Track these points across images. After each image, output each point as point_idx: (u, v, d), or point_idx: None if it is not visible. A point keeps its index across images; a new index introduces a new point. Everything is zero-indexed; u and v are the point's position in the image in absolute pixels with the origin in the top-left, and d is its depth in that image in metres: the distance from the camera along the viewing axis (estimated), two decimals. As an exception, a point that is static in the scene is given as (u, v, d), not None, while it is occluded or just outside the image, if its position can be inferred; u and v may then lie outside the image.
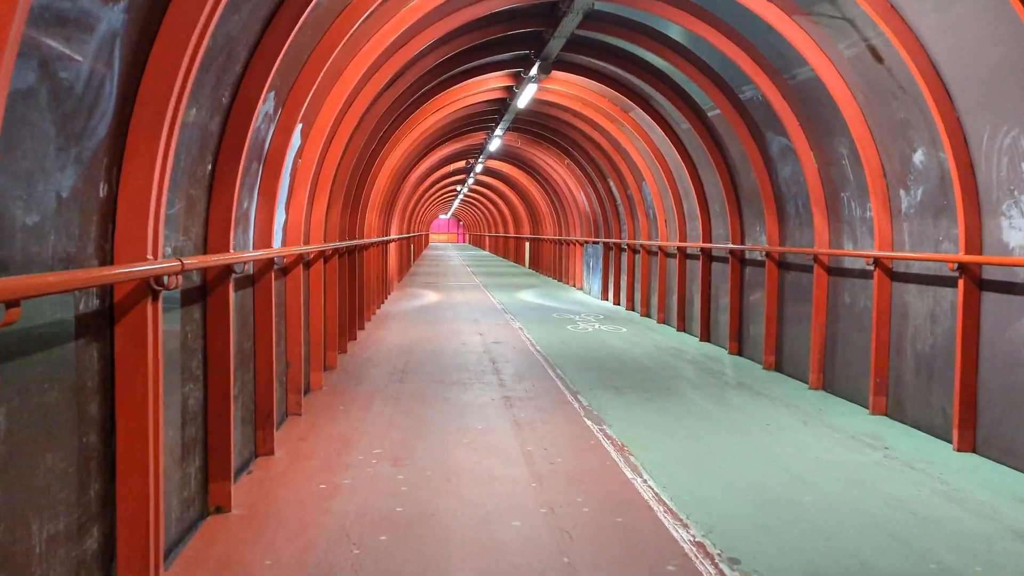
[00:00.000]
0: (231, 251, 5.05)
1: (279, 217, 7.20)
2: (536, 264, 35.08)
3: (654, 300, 16.62)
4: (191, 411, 4.76)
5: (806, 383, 9.63)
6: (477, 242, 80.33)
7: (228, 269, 5.04)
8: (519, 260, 42.40)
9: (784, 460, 6.45)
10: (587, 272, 23.25)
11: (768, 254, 10.64)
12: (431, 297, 21.58)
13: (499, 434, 7.13)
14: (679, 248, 14.62)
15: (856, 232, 8.62)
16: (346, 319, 11.73)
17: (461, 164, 29.91)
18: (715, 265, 13.12)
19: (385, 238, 19.18)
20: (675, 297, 14.94)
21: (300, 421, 7.52)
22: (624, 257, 19.26)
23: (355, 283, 13.03)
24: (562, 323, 15.79)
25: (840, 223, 8.97)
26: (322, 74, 6.73)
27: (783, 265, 10.49)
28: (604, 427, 7.42)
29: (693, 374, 10.35)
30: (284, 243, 7.57)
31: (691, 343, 13.23)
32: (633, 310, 18.41)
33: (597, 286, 21.71)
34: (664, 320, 15.83)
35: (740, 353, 11.91)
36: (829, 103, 8.42)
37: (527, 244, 38.75)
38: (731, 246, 11.92)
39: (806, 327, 9.73)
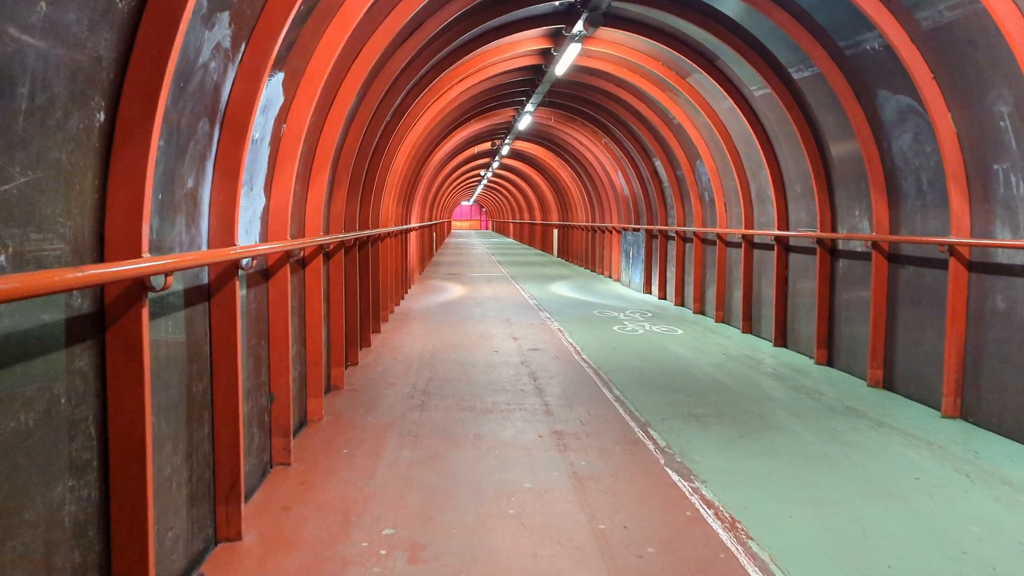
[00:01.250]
0: (145, 253, 3.12)
1: (254, 202, 5.27)
2: (566, 253, 33.05)
3: (710, 296, 14.56)
4: (77, 524, 2.86)
5: (935, 408, 7.58)
6: (501, 229, 78.33)
7: (139, 284, 3.11)
8: (546, 248, 40.38)
9: (978, 551, 4.44)
10: (625, 262, 21.22)
11: (875, 244, 8.57)
12: (456, 291, 19.66)
13: (556, 499, 5.18)
14: (744, 236, 12.54)
15: (1019, 216, 6.53)
16: (357, 326, 9.83)
17: (486, 146, 27.91)
18: (794, 257, 11.05)
19: (405, 227, 17.28)
20: (739, 293, 12.88)
21: (287, 475, 5.61)
22: (671, 246, 17.19)
23: (368, 281, 11.12)
24: (606, 322, 13.79)
25: (990, 204, 6.88)
26: (307, -1, 4.78)
27: (896, 258, 8.41)
28: (697, 484, 5.45)
29: (783, 393, 8.33)
30: (265, 237, 5.65)
31: (764, 349, 11.19)
32: (683, 306, 16.36)
33: (638, 278, 19.67)
34: (724, 319, 13.78)
35: (830, 363, 9.86)
36: (988, 45, 6.33)
37: (555, 231, 36.70)
38: (819, 234, 9.85)
39: (932, 337, 7.67)
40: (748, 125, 11.37)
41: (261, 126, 5.16)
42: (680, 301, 16.48)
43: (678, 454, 6.17)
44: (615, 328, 13.11)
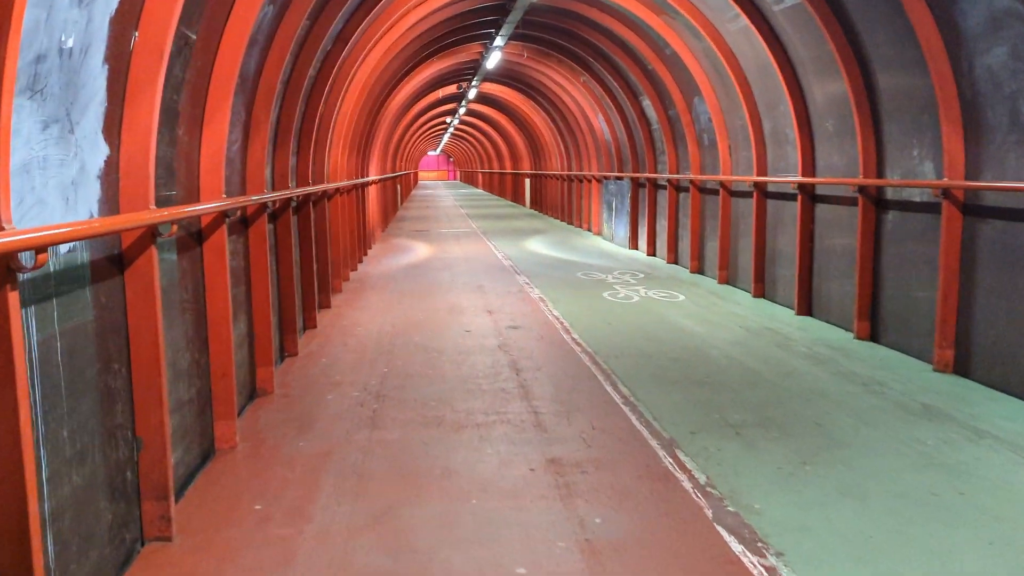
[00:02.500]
0: None
1: (79, 153, 3.30)
2: (539, 204, 31.08)
3: (710, 253, 12.78)
4: None
5: (1036, 405, 5.90)
6: (469, 179, 75.90)
7: None
8: (518, 199, 38.34)
9: None
10: (607, 215, 19.35)
11: (947, 192, 6.77)
12: (421, 251, 17.69)
13: (569, 602, 3.39)
14: (756, 184, 10.71)
15: None
16: (295, 307, 7.90)
17: (452, 89, 25.64)
18: (823, 208, 9.25)
19: (361, 180, 15.20)
20: (749, 251, 11.09)
21: (161, 563, 3.75)
22: (662, 196, 15.33)
23: (312, 249, 9.14)
24: (593, 287, 11.97)
25: None
26: None
27: (975, 210, 6.63)
28: (771, 559, 3.69)
29: (832, 384, 6.60)
30: (113, 205, 3.69)
31: (785, 319, 9.45)
32: (677, 263, 14.59)
33: (623, 232, 17.83)
34: (729, 280, 12.02)
35: (874, 338, 8.15)
36: None
37: (527, 181, 34.66)
38: (861, 180, 8.04)
39: (1030, 312, 5.96)
40: (766, 48, 9.44)
41: (76, 27, 3.15)
42: (673, 258, 14.69)
43: (727, 496, 4.40)
44: (605, 295, 11.29)
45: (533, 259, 15.73)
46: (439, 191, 60.68)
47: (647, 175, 15.81)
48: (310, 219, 9.12)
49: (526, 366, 7.30)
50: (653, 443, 5.26)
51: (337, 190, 11.79)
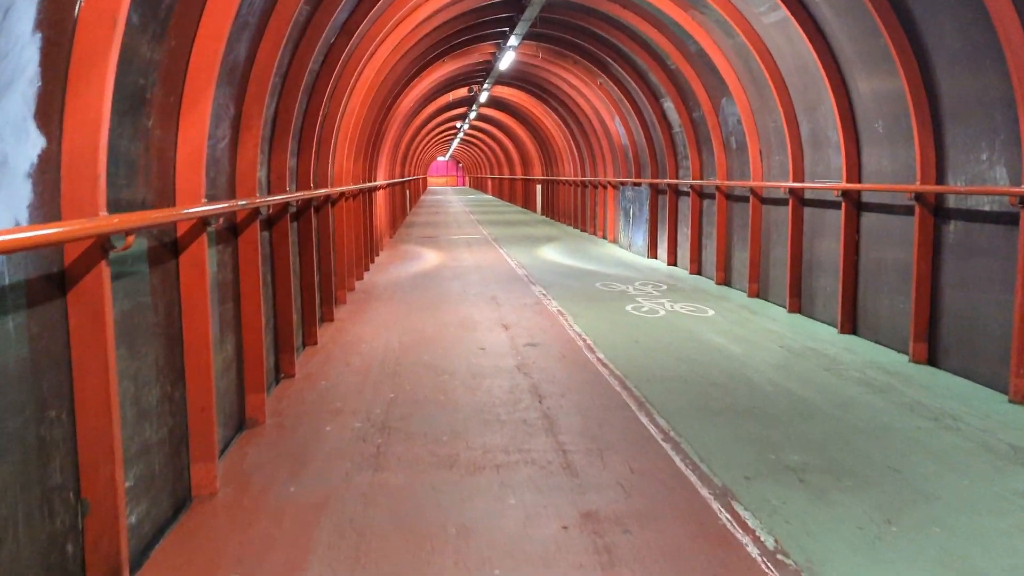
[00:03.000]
0: None
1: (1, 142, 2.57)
2: (551, 211, 30.34)
3: (738, 264, 12.00)
4: None
5: None
6: (478, 185, 75.28)
7: None
8: (529, 206, 37.61)
9: None
10: (624, 222, 18.58)
11: (1026, 201, 5.99)
12: (430, 258, 16.95)
13: None
14: (792, 191, 9.94)
15: None
16: (293, 323, 7.15)
17: (462, 92, 24.95)
18: (869, 218, 8.47)
19: (368, 185, 14.50)
20: (784, 265, 10.31)
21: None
22: (684, 203, 14.56)
23: (313, 257, 8.41)
24: (615, 300, 11.21)
25: None
26: None
27: (1059, 221, 5.84)
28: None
29: (900, 419, 5.81)
30: (52, 209, 2.95)
31: (828, 338, 8.66)
32: (700, 274, 13.81)
33: (641, 240, 17.05)
34: (760, 293, 11.24)
35: (933, 362, 7.35)
36: None
37: (539, 187, 33.93)
38: (919, 187, 7.26)
39: None
40: (807, 42, 8.67)
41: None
42: (696, 269, 13.90)
43: (804, 569, 3.62)
44: (628, 308, 10.52)
45: (548, 268, 14.97)
46: (448, 196, 60.02)
47: (668, 181, 15.04)
48: (311, 226, 8.39)
49: (549, 391, 6.54)
50: (704, 492, 4.49)
51: (342, 195, 11.07)
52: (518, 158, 40.11)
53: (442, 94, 23.56)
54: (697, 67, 12.25)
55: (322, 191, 8.92)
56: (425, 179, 69.04)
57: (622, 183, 18.82)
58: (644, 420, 5.79)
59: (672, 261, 15.25)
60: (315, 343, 8.44)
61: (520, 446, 5.24)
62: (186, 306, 4.40)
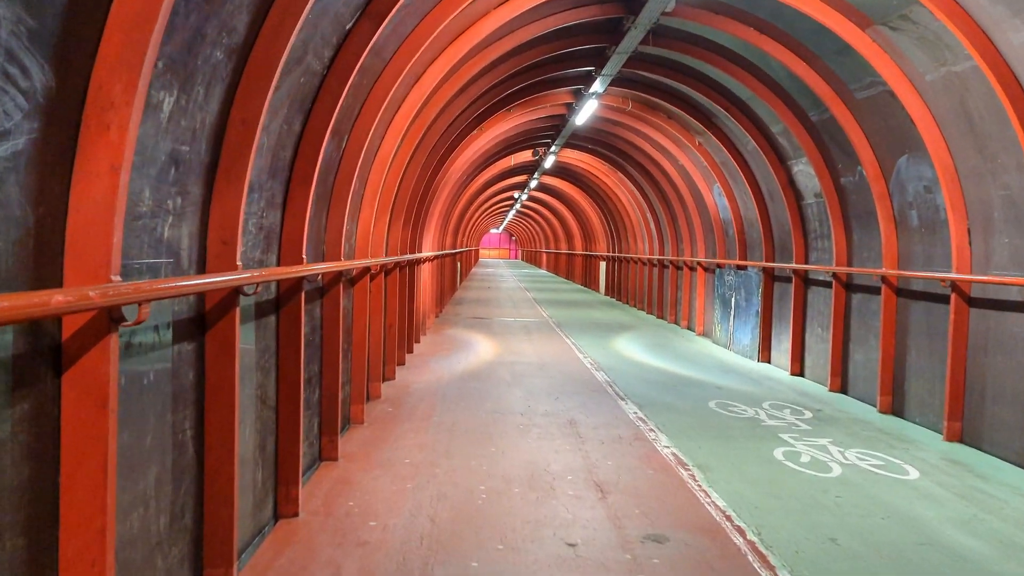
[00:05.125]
0: None
1: None
2: (618, 292, 26.96)
3: (921, 389, 8.43)
4: None
5: None
6: (532, 259, 72.52)
7: None
8: (590, 284, 34.31)
9: None
10: (721, 313, 15.10)
11: None
12: (482, 349, 13.66)
13: None
14: (1047, 291, 6.45)
15: None
16: (231, 512, 3.85)
17: (525, 156, 22.06)
18: None
19: (407, 257, 11.39)
20: (1021, 399, 6.75)
21: None
22: (819, 296, 11.08)
23: (299, 374, 5.19)
24: (751, 436, 7.71)
25: None
26: None
27: None
28: None
29: None
30: None
31: None
32: (844, 392, 10.22)
33: (747, 338, 13.54)
34: (964, 437, 7.62)
35: None
36: None
37: (602, 264, 30.69)
38: None
39: None
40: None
41: None
42: (839, 385, 10.32)
43: None
44: (778, 455, 7.01)
45: (634, 371, 11.54)
46: (501, 270, 57.17)
47: (793, 266, 11.61)
48: (301, 320, 5.19)
49: None
50: None
51: (367, 271, 7.91)
52: (578, 231, 37.07)
53: (503, 155, 20.68)
54: (864, 113, 8.96)
55: (330, 266, 5.76)
56: (477, 251, 66.61)
57: (719, 265, 15.42)
58: None
59: (797, 370, 11.68)
60: (295, 513, 5.13)
61: None
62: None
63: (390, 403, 8.88)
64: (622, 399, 9.43)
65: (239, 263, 3.84)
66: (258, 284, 4.04)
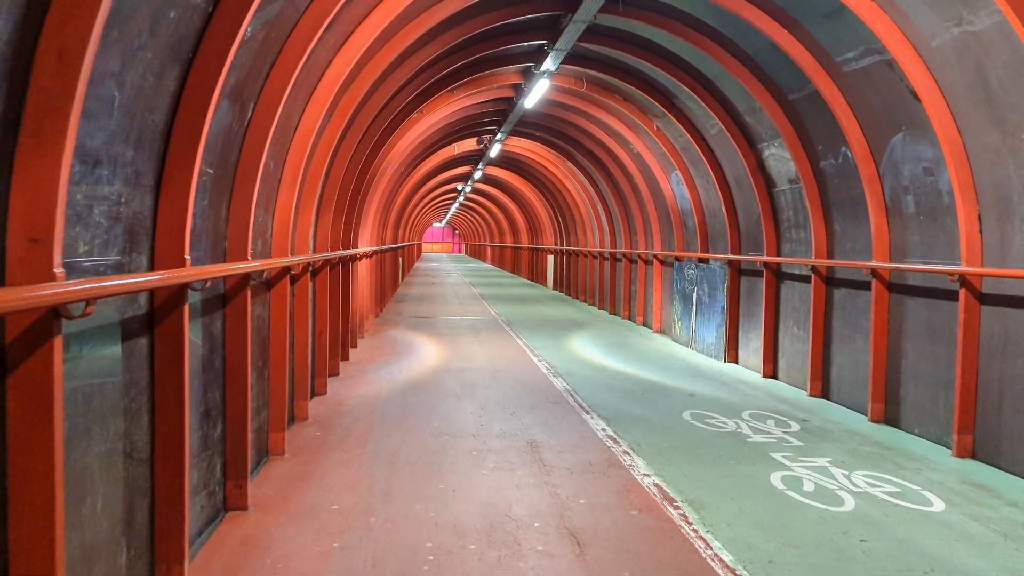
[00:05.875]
0: None
1: None
2: (567, 286, 25.94)
3: (920, 397, 7.53)
4: None
5: None
6: (476, 253, 71.27)
7: None
8: (537, 278, 33.27)
9: None
10: (681, 308, 14.15)
11: None
12: (427, 354, 12.42)
13: None
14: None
15: None
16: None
17: (470, 145, 20.84)
18: None
19: (340, 254, 10.09)
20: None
21: None
22: (795, 291, 10.16)
23: (183, 417, 3.90)
24: (737, 456, 6.67)
25: None
26: None
27: None
28: None
29: None
30: None
31: None
32: (826, 397, 9.31)
33: (712, 336, 12.59)
34: (977, 453, 6.71)
35: None
36: None
37: (550, 258, 29.66)
38: None
39: None
40: None
41: None
42: (820, 390, 9.40)
43: None
44: (775, 481, 5.98)
45: (594, 375, 10.46)
46: (445, 264, 55.79)
47: (765, 258, 10.67)
48: (182, 343, 3.91)
49: None
50: None
51: (286, 271, 6.61)
52: (524, 224, 35.98)
53: (446, 143, 19.40)
54: (853, 87, 7.99)
55: (231, 268, 4.49)
56: (420, 245, 65.06)
57: (678, 258, 14.47)
58: None
59: (770, 372, 10.75)
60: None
61: None
62: None
63: (319, 425, 7.60)
64: (586, 412, 8.32)
65: (58, 270, 2.56)
66: (94, 299, 2.75)
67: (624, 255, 18.36)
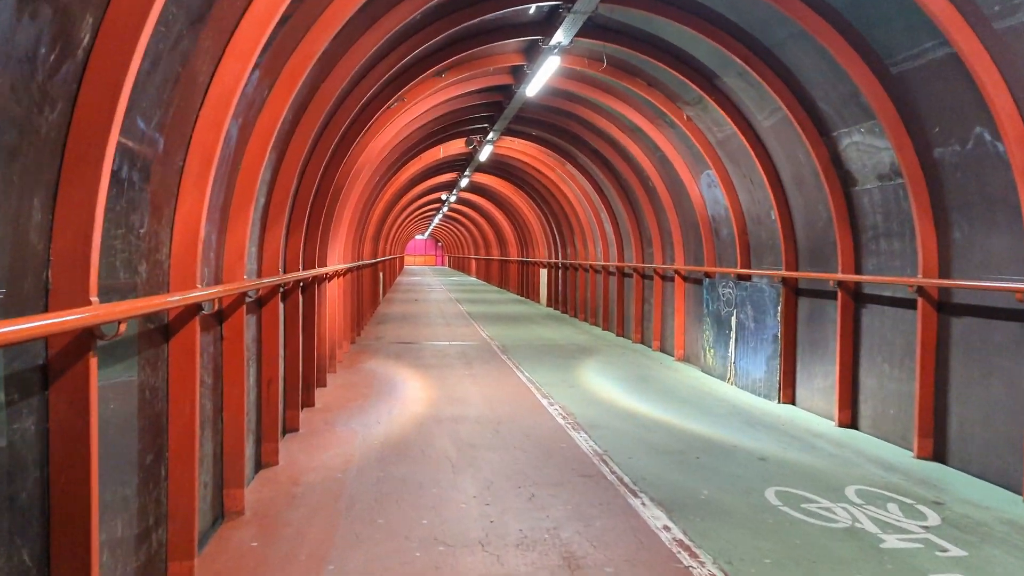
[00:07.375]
0: None
1: None
2: (564, 304, 23.64)
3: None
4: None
5: None
6: (460, 266, 68.91)
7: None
8: (529, 294, 30.93)
9: None
10: (714, 334, 11.88)
11: None
12: (410, 397, 10.07)
13: None
14: None
15: None
16: None
17: (458, 147, 18.56)
18: None
19: (300, 275, 7.75)
20: None
21: None
22: (886, 319, 7.91)
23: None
24: (889, 586, 4.40)
25: None
26: None
27: None
28: None
29: None
30: None
31: None
32: (942, 460, 7.05)
33: (759, 370, 10.32)
34: None
35: None
36: None
37: (543, 272, 27.36)
38: None
39: None
40: None
41: None
42: (932, 450, 7.14)
43: None
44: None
45: (626, 427, 8.15)
46: (428, 278, 53.35)
47: (840, 276, 8.44)
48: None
49: None
50: None
51: (195, 310, 4.25)
52: (513, 235, 33.69)
53: (431, 144, 17.11)
54: (1010, 51, 5.78)
55: (48, 321, 2.13)
56: (403, 258, 62.65)
57: (708, 274, 12.22)
58: None
59: (847, 419, 8.49)
60: None
61: None
62: None
63: (259, 523, 5.24)
64: (633, 493, 6.02)
65: None
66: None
67: (635, 270, 16.10)
